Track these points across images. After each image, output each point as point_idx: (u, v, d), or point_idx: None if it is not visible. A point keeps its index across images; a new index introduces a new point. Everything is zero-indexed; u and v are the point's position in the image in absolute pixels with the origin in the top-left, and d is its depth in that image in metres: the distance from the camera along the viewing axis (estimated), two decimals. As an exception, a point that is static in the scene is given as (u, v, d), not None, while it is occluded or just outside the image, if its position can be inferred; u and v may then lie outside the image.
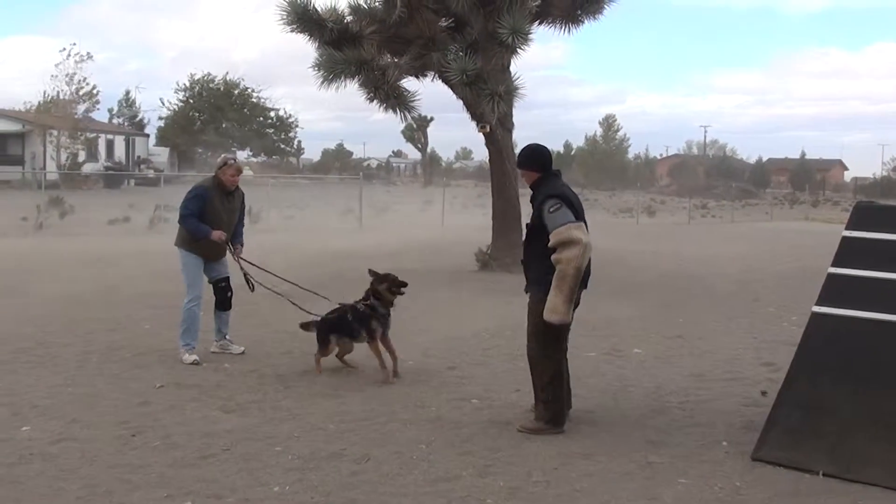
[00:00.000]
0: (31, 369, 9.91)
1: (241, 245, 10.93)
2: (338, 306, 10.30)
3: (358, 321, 9.93)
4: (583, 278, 7.80)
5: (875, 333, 7.25)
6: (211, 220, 10.40)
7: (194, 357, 10.39)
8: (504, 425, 8.08)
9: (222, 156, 11.19)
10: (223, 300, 10.87)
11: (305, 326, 10.53)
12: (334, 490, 6.47)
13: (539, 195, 7.98)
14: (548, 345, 7.96)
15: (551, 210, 7.74)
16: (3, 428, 7.77)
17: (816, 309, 7.58)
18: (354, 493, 6.41)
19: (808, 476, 6.85)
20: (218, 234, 10.41)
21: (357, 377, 9.78)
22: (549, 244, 7.68)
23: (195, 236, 10.41)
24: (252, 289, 10.86)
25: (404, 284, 10.06)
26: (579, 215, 7.81)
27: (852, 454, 6.89)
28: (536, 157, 8.21)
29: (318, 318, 10.32)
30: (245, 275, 10.81)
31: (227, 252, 10.77)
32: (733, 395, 9.32)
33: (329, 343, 10.10)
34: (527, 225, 8.19)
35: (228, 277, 10.90)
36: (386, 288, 9.96)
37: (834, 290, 7.57)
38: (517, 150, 9.39)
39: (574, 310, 7.87)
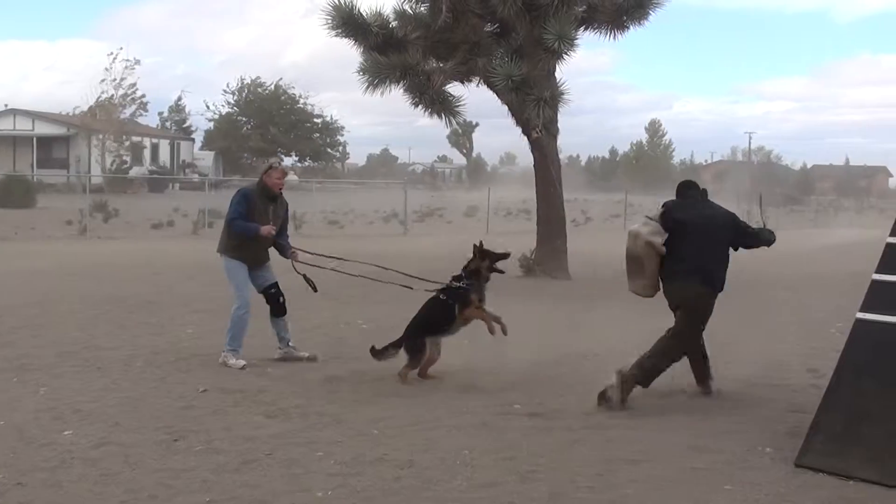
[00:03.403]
0: (75, 373, 9.95)
1: (292, 250, 10.81)
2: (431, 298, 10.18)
3: (453, 298, 9.91)
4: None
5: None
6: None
7: (243, 362, 10.36)
8: (548, 431, 8.02)
9: (268, 160, 11.20)
10: (277, 307, 10.70)
11: (379, 354, 9.99)
12: (377, 495, 6.43)
13: None
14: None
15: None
16: (46, 432, 7.79)
17: (860, 315, 7.58)
18: (397, 499, 6.38)
19: (853, 483, 6.80)
20: (267, 230, 10.32)
21: (402, 382, 9.72)
22: None
23: (245, 235, 10.34)
24: (315, 289, 10.80)
25: (506, 256, 10.37)
26: (669, 225, 9.21)
27: (897, 462, 6.83)
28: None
29: (398, 340, 10.00)
30: (304, 277, 10.74)
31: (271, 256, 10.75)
32: (779, 401, 9.23)
33: (423, 350, 9.84)
34: None
35: (277, 283, 10.76)
36: (487, 266, 10.09)
37: (878, 297, 7.56)
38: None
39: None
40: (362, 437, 7.78)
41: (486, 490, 6.57)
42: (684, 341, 9.07)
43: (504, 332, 9.90)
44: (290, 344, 10.83)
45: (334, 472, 6.89)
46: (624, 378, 8.71)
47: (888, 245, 7.74)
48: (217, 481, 6.65)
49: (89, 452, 7.25)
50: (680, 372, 9.60)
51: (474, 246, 10.26)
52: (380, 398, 9.08)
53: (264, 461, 7.11)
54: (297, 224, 31.95)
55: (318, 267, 10.95)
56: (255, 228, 10.30)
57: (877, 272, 7.65)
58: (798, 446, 7.30)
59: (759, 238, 9.39)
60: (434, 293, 10.15)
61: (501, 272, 10.32)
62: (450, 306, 9.93)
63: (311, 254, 10.96)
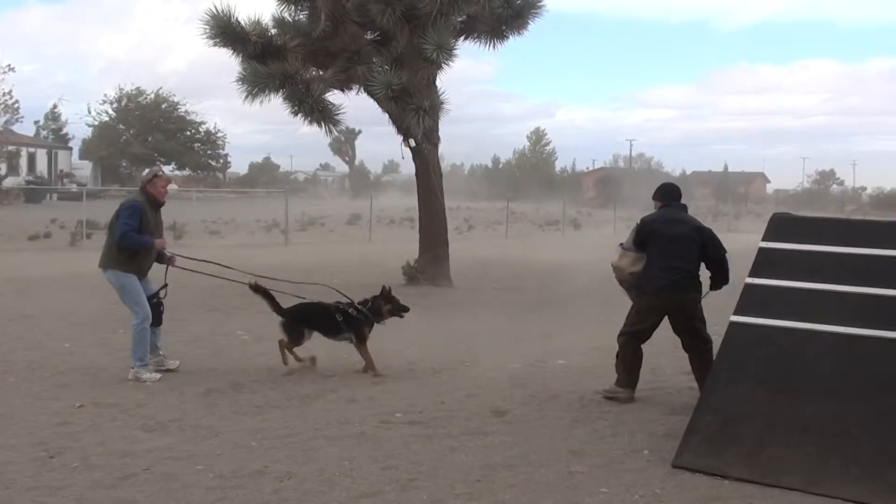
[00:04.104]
0: (-54, 390, 9.69)
1: (170, 256, 10.81)
2: (317, 302, 10.91)
3: (347, 322, 10.64)
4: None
5: (790, 342, 7.54)
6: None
7: (158, 375, 10.26)
8: (428, 439, 8.08)
9: (150, 169, 11.07)
10: (156, 316, 10.58)
11: (257, 290, 10.68)
12: (256, 509, 6.41)
13: None
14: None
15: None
16: (-84, 451, 7.59)
17: (734, 318, 7.87)
18: (276, 512, 6.36)
19: (728, 482, 6.99)
20: (161, 243, 10.42)
21: (281, 393, 9.68)
22: None
23: (140, 248, 10.25)
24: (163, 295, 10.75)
25: (406, 309, 11.09)
26: (643, 243, 9.44)
27: (769, 460, 7.05)
28: (658, 189, 9.82)
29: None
30: (165, 285, 10.68)
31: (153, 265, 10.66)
32: (655, 404, 9.44)
33: (303, 337, 10.61)
34: None
35: (157, 293, 10.66)
36: (389, 310, 10.92)
37: (750, 300, 7.89)
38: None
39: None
40: (241, 449, 7.74)
41: (366, 500, 6.61)
42: (707, 339, 9.38)
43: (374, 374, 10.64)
44: (161, 353, 10.75)
45: (213, 485, 6.85)
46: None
47: (760, 249, 8.05)
48: (93, 498, 6.56)
49: (-39, 472, 7.09)
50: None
51: (383, 288, 11.00)
52: (259, 410, 9.04)
53: (142, 476, 7.03)
54: (177, 234, 31.58)
55: (196, 272, 10.94)
56: (149, 242, 10.27)
57: (749, 276, 7.96)
58: (675, 448, 7.50)
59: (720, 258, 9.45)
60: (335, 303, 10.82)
61: (401, 317, 11.12)
62: (342, 326, 10.65)
63: (191, 259, 10.90)
